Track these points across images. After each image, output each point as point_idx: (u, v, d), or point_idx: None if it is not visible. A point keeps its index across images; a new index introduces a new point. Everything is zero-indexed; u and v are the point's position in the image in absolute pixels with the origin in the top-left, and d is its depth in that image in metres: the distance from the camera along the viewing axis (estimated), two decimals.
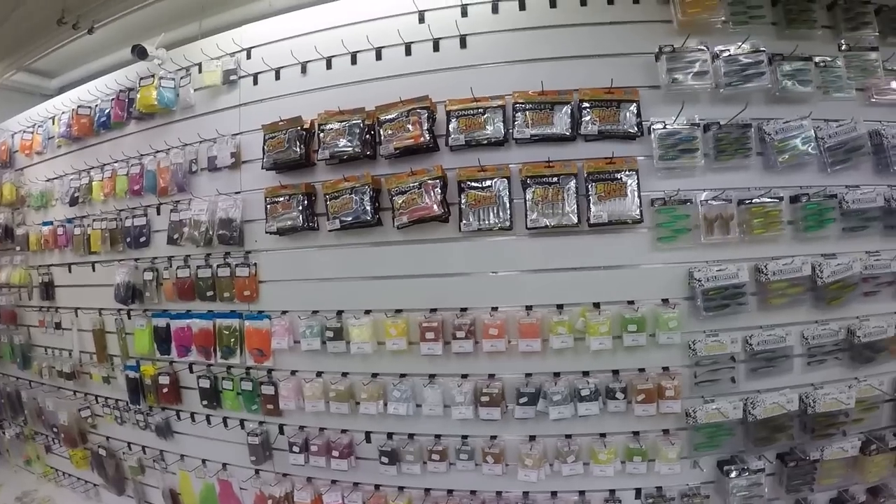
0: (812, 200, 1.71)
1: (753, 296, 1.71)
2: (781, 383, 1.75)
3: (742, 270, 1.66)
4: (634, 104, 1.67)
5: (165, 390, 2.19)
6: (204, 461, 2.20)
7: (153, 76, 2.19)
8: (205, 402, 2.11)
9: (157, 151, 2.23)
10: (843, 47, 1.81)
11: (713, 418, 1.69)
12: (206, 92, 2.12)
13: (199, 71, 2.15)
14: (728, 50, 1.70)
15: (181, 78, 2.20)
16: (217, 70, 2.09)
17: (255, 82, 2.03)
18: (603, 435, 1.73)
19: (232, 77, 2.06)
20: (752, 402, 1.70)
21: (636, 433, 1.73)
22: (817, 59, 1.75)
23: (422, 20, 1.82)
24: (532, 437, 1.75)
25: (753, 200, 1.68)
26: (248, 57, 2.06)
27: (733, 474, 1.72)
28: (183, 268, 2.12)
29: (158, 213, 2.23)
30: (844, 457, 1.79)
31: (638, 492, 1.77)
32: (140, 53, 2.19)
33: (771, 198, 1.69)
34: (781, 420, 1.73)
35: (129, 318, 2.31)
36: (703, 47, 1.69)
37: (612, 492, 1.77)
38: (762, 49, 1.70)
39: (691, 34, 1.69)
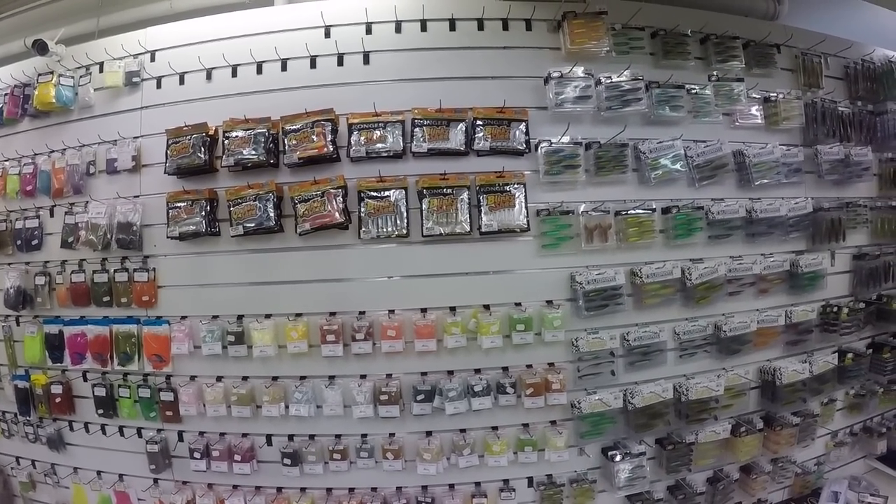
0: (681, 212, 2.09)
1: (630, 297, 2.05)
2: (657, 375, 2.11)
3: (619, 274, 2.00)
4: (524, 123, 1.96)
5: (58, 400, 2.24)
6: (99, 473, 2.28)
7: (52, 73, 2.25)
8: (100, 412, 2.19)
9: (53, 151, 2.29)
10: (714, 78, 2.20)
11: (596, 408, 2.01)
12: (106, 92, 2.22)
13: (100, 70, 2.23)
14: (610, 77, 2.03)
15: (81, 76, 2.28)
16: (119, 71, 2.19)
17: (159, 86, 2.16)
18: (496, 428, 2.00)
19: (135, 79, 2.18)
20: (631, 393, 2.04)
21: (526, 425, 2.02)
22: (689, 86, 2.13)
23: (328, 35, 2.04)
24: (429, 433, 1.99)
25: (629, 211, 2.03)
26: (153, 59, 2.19)
27: (617, 459, 2.04)
28: (78, 272, 2.19)
29: (52, 216, 2.28)
30: (717, 439, 2.18)
31: (530, 480, 2.06)
32: (40, 48, 2.25)
33: (645, 209, 2.05)
34: (658, 408, 2.08)
35: (18, 324, 2.34)
36: (587, 74, 2.01)
37: (507, 481, 2.05)
38: (640, 77, 2.05)
39: (578, 61, 2.02)
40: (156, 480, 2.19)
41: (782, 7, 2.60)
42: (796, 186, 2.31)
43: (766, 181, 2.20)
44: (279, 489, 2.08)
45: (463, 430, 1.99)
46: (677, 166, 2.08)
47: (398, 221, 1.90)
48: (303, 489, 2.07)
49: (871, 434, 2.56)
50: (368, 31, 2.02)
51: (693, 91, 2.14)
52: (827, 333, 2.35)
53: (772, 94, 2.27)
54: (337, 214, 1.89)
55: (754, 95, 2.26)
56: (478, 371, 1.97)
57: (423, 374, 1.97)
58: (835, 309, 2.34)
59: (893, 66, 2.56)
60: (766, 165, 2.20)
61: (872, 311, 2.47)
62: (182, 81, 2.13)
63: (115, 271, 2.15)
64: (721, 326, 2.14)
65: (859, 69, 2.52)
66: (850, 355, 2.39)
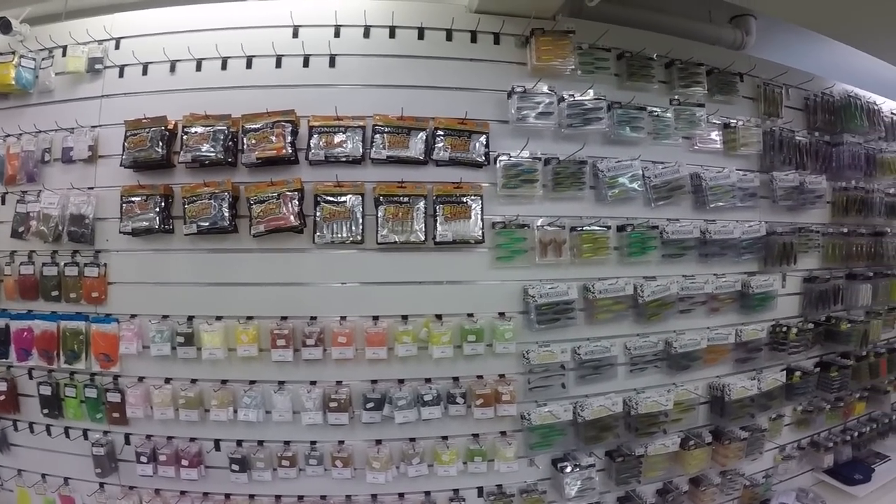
0: (636, 230, 2.09)
1: (582, 311, 2.05)
2: (608, 388, 2.11)
3: (572, 289, 1.99)
4: (484, 136, 1.95)
5: (2, 398, 2.12)
6: (44, 476, 2.16)
7: (14, 53, 2.14)
8: (45, 411, 2.09)
9: (8, 135, 2.18)
10: (675, 101, 2.22)
11: (546, 420, 2.00)
12: (67, 78, 2.12)
13: (64, 54, 2.14)
14: (573, 95, 2.03)
15: (43, 59, 2.18)
16: (82, 56, 2.10)
17: (121, 74, 2.08)
18: (445, 437, 1.97)
19: (97, 66, 2.09)
20: (580, 406, 2.03)
21: (476, 435, 1.99)
22: (651, 109, 2.14)
23: (296, 35, 1.99)
24: (379, 441, 1.95)
25: (584, 228, 2.02)
26: (117, 47, 2.10)
27: (567, 470, 2.03)
28: (27, 264, 2.08)
29: (3, 203, 2.17)
30: (666, 452, 2.19)
31: (480, 490, 2.04)
32: (3, 27, 2.13)
33: (600, 226, 2.04)
34: (608, 421, 2.07)
35: None
36: (551, 90, 2.00)
37: (457, 491, 2.02)
38: (603, 96, 2.05)
39: (542, 77, 2.01)
40: (102, 485, 2.09)
41: (749, 38, 2.64)
42: (751, 210, 2.34)
43: (721, 204, 2.22)
44: (227, 496, 2.01)
45: (413, 440, 1.96)
46: (634, 185, 2.08)
47: (353, 227, 1.86)
48: (251, 496, 2.00)
49: (819, 448, 2.61)
50: (337, 34, 1.98)
51: (654, 113, 2.15)
52: (776, 352, 2.39)
53: (732, 121, 2.30)
54: (292, 217, 1.84)
55: (714, 121, 2.30)
56: (428, 380, 1.94)
57: (374, 382, 1.93)
58: (784, 329, 2.37)
59: (852, 100, 2.63)
60: (721, 189, 2.22)
61: (821, 332, 2.53)
62: (145, 72, 2.06)
63: (66, 265, 2.06)
64: (672, 343, 2.15)
65: (819, 101, 2.57)
66: (798, 373, 2.44)
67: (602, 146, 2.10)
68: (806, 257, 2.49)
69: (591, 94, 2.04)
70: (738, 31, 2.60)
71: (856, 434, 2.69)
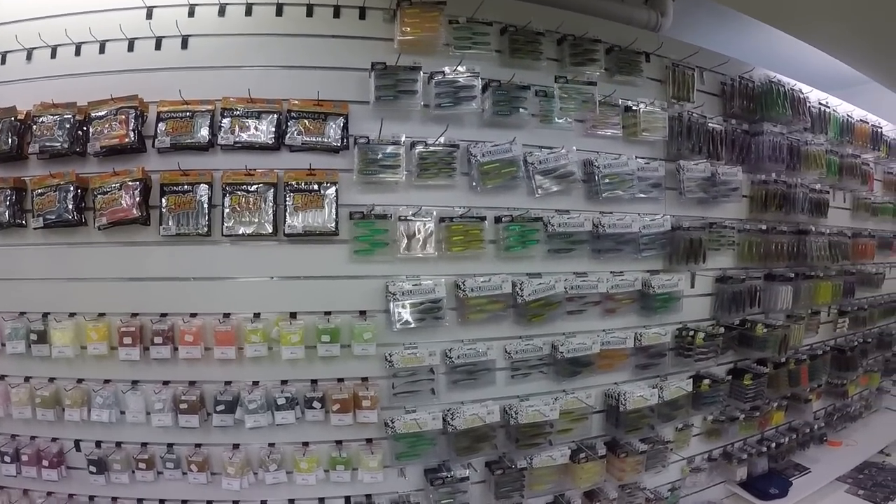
0: (515, 222, 1.86)
1: (453, 311, 1.84)
2: (486, 395, 1.90)
3: (440, 286, 1.78)
4: (342, 118, 1.75)
5: None
6: None
7: None
8: None
9: None
10: (562, 80, 1.96)
11: (411, 428, 1.80)
12: None
13: None
14: (443, 72, 1.80)
15: None
16: None
17: None
18: (307, 444, 1.80)
19: None
20: (451, 413, 1.83)
21: (339, 442, 1.81)
22: (537, 88, 1.90)
23: (150, 16, 1.81)
24: (236, 446, 1.78)
25: (454, 218, 1.80)
26: None
27: (438, 482, 1.83)
28: None
29: None
30: (554, 465, 1.97)
31: (347, 500, 1.85)
32: None
33: (472, 217, 1.82)
34: (483, 430, 1.86)
35: None
36: (416, 66, 1.77)
37: (322, 500, 1.84)
38: (476, 72, 1.82)
39: (414, 54, 1.79)
40: None
41: (665, 20, 2.38)
42: (655, 202, 2.10)
43: (619, 193, 1.98)
44: (91, 497, 1.87)
45: (272, 445, 1.79)
46: (514, 172, 1.85)
47: (200, 219, 1.69)
48: (114, 499, 1.85)
49: (731, 460, 2.36)
50: (191, 14, 1.80)
51: (541, 93, 1.91)
52: (682, 358, 2.15)
53: (632, 103, 2.05)
54: (134, 209, 1.68)
55: (613, 103, 2.04)
56: (284, 382, 1.76)
57: (228, 383, 1.76)
58: (691, 333, 2.13)
59: (774, 86, 2.35)
60: (618, 178, 1.98)
61: (734, 336, 2.27)
62: (3, 61, 1.90)
63: None
64: (558, 347, 1.93)
65: (736, 86, 2.30)
66: (706, 381, 2.19)
67: (479, 129, 1.88)
68: (718, 255, 2.24)
69: (462, 70, 1.80)
70: (652, 13, 2.34)
71: (773, 445, 2.43)
